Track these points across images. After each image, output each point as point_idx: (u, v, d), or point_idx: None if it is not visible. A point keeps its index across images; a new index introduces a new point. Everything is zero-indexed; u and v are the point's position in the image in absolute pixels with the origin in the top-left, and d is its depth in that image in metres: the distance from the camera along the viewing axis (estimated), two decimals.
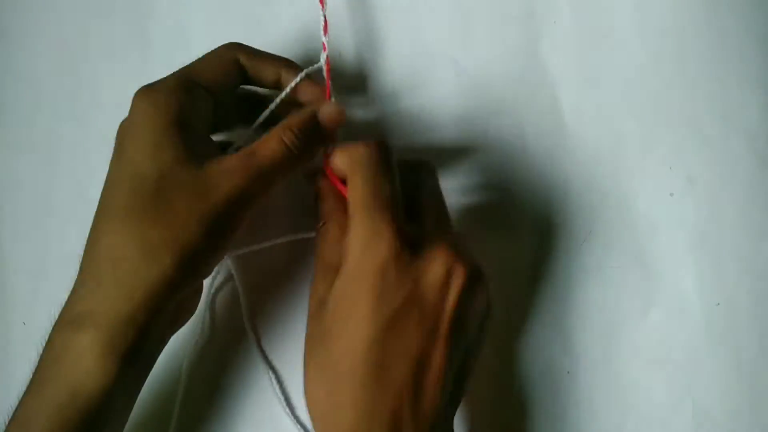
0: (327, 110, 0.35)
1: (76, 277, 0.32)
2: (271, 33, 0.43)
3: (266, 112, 0.37)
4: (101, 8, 0.44)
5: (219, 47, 0.36)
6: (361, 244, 0.31)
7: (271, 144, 0.33)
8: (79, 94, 0.43)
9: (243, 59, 0.36)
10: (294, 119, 0.34)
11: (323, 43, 0.37)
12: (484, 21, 0.43)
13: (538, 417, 0.41)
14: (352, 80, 0.43)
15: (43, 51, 0.44)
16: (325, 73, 0.37)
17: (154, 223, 0.30)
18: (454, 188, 0.42)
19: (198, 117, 0.34)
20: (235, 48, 0.36)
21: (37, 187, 0.43)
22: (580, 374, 0.41)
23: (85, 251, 0.32)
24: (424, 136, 0.43)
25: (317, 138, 0.35)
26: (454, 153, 0.43)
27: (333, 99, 0.37)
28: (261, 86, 0.38)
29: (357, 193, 0.32)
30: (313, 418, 0.31)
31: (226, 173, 0.32)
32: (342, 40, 0.43)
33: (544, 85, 0.43)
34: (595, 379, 0.41)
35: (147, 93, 0.33)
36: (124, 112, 0.43)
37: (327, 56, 0.37)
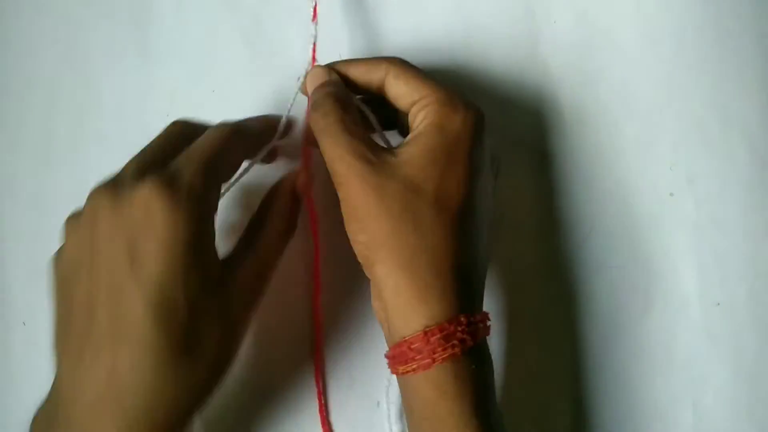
0: (301, 182, 0.36)
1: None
2: (271, 34, 0.43)
3: (237, 176, 0.36)
4: (101, 9, 0.44)
5: (215, 135, 0.33)
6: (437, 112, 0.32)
7: (273, 241, 0.34)
8: (79, 94, 0.43)
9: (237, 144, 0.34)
10: (282, 206, 0.35)
11: (313, 35, 0.38)
12: (484, 20, 0.43)
13: (538, 416, 0.41)
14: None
15: (43, 51, 0.44)
16: (310, 65, 0.37)
17: (189, 362, 0.27)
18: None
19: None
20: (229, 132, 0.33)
21: (37, 188, 0.43)
22: (579, 374, 0.41)
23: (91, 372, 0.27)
24: None
25: (299, 207, 0.37)
26: None
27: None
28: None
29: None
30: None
31: (245, 291, 0.31)
32: (342, 41, 0.43)
33: (544, 85, 0.43)
34: (594, 379, 0.41)
35: (172, 198, 0.28)
36: (123, 113, 0.43)
37: (315, 43, 0.38)
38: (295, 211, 0.36)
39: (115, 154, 0.42)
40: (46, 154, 0.43)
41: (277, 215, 0.35)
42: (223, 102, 0.43)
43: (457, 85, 0.43)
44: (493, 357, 0.41)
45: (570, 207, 0.42)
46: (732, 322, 0.42)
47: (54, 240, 0.42)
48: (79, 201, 0.42)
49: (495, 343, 0.41)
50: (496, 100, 0.43)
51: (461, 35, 0.43)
